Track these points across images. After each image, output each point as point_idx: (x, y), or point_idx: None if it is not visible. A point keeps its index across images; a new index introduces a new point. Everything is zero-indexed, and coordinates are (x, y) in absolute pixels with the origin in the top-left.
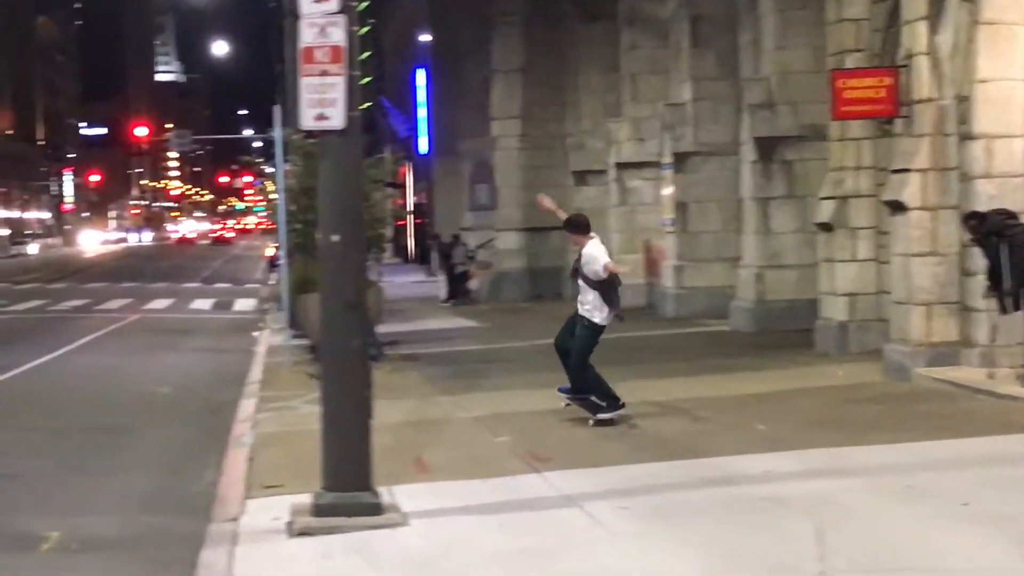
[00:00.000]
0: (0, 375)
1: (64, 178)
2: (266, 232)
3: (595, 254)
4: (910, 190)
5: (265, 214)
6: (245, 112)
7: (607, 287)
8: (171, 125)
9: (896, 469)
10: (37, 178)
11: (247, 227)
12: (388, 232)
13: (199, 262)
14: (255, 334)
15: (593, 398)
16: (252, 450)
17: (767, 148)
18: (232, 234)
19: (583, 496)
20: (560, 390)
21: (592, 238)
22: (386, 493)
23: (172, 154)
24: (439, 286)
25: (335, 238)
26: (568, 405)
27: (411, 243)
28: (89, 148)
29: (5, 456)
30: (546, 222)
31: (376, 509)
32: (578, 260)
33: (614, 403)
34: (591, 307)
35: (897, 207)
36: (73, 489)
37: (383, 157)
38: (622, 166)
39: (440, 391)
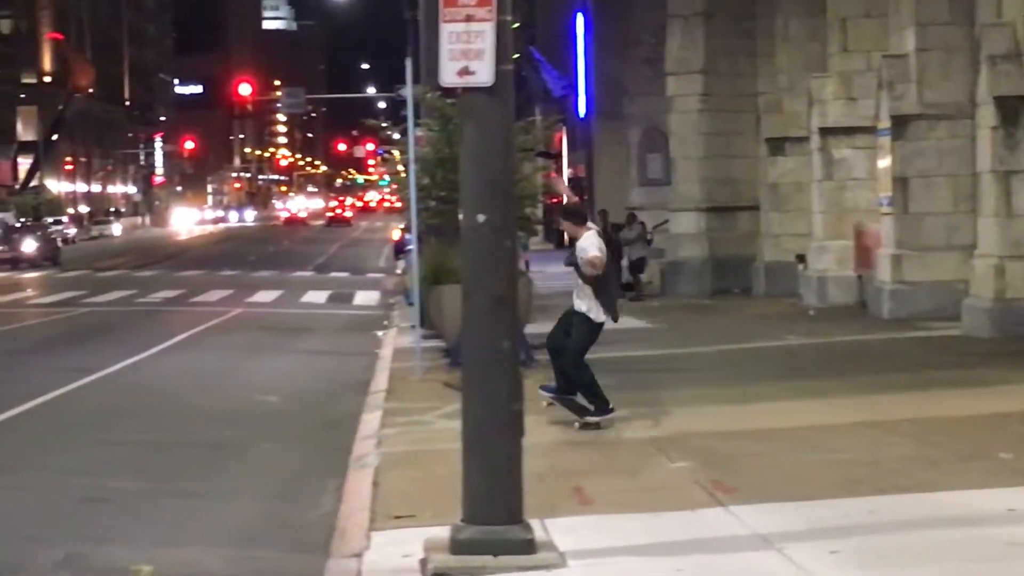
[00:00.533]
0: (83, 379)
1: (154, 145)
2: (392, 211)
3: (586, 247)
4: None
5: (391, 189)
6: (368, 67)
7: (602, 283)
8: (280, 83)
9: None
10: (122, 145)
11: (369, 205)
12: (538, 211)
13: (312, 246)
14: (379, 333)
15: (580, 399)
16: (377, 473)
17: (1011, 110)
18: (351, 213)
19: (781, 536)
20: (543, 389)
21: (589, 229)
22: (539, 527)
23: (281, 117)
24: None
25: (480, 218)
26: (550, 405)
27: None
28: (183, 110)
29: (92, 475)
30: (734, 201)
31: (528, 547)
32: (573, 252)
33: (604, 406)
34: (588, 304)
35: None
36: (169, 515)
37: (533, 121)
38: (827, 132)
39: None
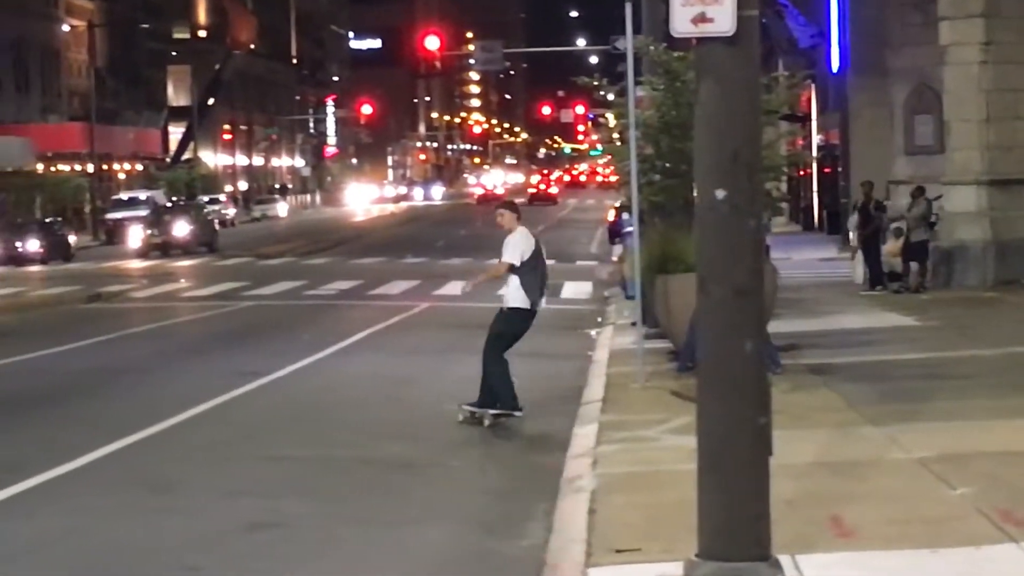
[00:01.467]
0: (247, 384)
1: (325, 111)
2: (606, 186)
3: (511, 243)
4: None
5: (605, 160)
6: (577, 15)
7: (526, 272)
8: (473, 36)
9: None
10: (288, 111)
11: (578, 179)
12: (782, 186)
13: None
14: (592, 332)
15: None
16: (593, 498)
17: None
18: (557, 189)
19: None
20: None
21: (519, 226)
22: (789, 565)
23: (474, 76)
24: (857, 265)
25: (719, 194)
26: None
27: (815, 202)
28: (359, 68)
29: (259, 496)
30: (1021, 174)
31: None
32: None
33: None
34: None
35: None
36: (348, 545)
37: (777, 78)
38: None
39: (866, 419)
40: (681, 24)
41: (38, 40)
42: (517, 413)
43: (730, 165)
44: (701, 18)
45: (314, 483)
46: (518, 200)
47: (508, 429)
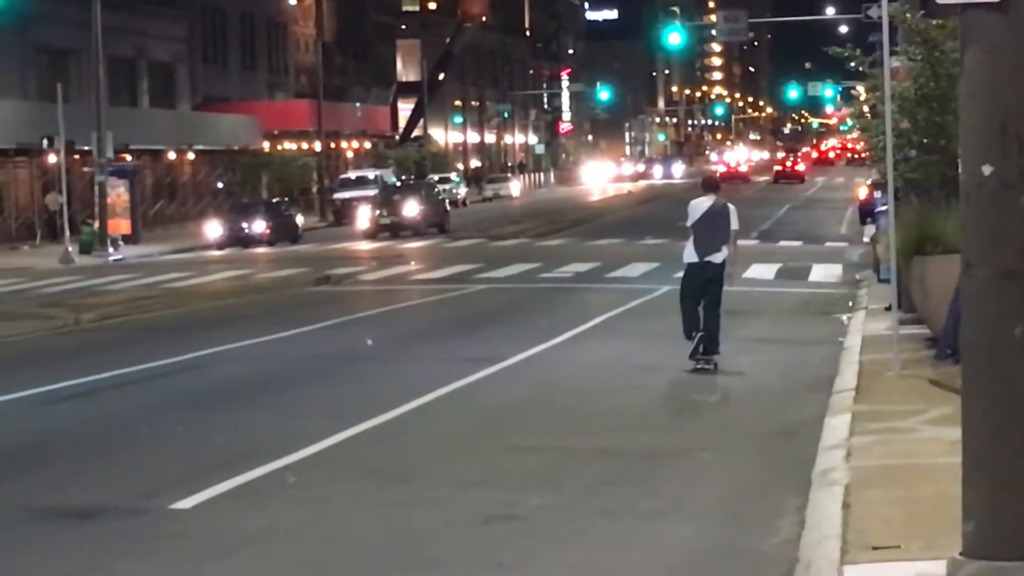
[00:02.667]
0: (482, 370)
1: (560, 85)
2: (856, 163)
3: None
4: None
5: (856, 136)
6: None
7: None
8: (715, 4)
9: None
10: (522, 86)
11: (827, 156)
12: None
13: (755, 208)
14: (843, 318)
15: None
16: (847, 492)
17: None
18: (804, 166)
19: None
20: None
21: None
22: None
23: (716, 48)
24: None
25: (987, 170)
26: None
27: None
28: (594, 41)
29: (498, 488)
30: None
31: None
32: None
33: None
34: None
35: None
36: (592, 539)
37: None
38: None
39: None
40: None
41: (264, 15)
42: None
43: (999, 139)
44: None
45: (554, 475)
46: (763, 178)
47: (758, 418)
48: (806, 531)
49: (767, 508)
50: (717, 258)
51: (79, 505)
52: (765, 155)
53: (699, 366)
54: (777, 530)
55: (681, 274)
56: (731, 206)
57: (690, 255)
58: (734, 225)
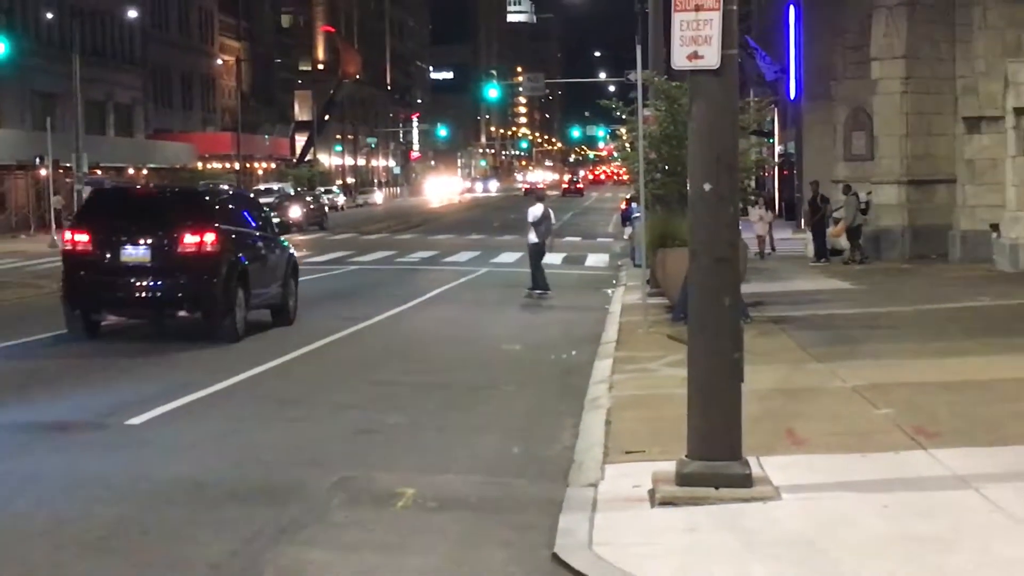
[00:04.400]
0: (354, 326)
1: (411, 125)
2: (620, 183)
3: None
4: None
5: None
6: (599, 55)
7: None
8: (521, 69)
9: None
10: (384, 125)
11: (599, 178)
12: (752, 183)
13: None
14: (608, 291)
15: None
16: (609, 413)
17: None
18: (583, 184)
19: (980, 478)
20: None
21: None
22: (755, 464)
23: (522, 100)
24: (809, 242)
25: (707, 187)
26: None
27: (776, 196)
28: (436, 93)
29: (364, 410)
30: (933, 174)
31: (746, 481)
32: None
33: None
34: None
35: None
36: (429, 447)
37: (748, 102)
38: (1022, 112)
39: (813, 357)
40: (679, 60)
41: (199, 71)
42: (550, 293)
43: (715, 165)
44: (694, 56)
45: (404, 401)
46: (553, 192)
47: (547, 361)
48: (579, 441)
49: (553, 425)
50: (547, 240)
51: (55, 421)
52: (556, 176)
53: (535, 296)
54: (559, 440)
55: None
56: (551, 210)
57: (534, 239)
58: (553, 221)
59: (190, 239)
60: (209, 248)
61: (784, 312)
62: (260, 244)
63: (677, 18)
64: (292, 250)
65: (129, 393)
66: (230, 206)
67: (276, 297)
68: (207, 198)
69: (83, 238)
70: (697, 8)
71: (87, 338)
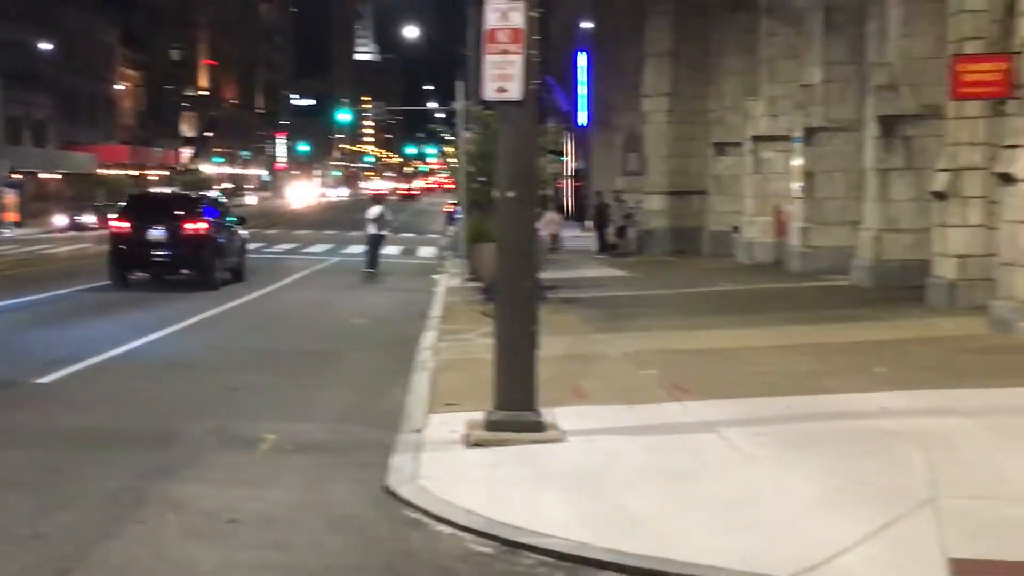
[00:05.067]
0: (229, 303)
1: (277, 141)
2: (446, 190)
3: (373, 211)
4: (1020, 164)
5: (446, 175)
6: (432, 88)
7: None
8: (369, 98)
9: (1001, 410)
10: (255, 141)
11: (430, 187)
12: (549, 192)
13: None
14: (435, 277)
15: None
16: (433, 373)
17: (889, 125)
18: (418, 192)
19: (720, 423)
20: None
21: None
22: (548, 414)
23: (369, 122)
24: (593, 240)
25: (511, 194)
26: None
27: (569, 203)
28: (299, 116)
29: (234, 371)
30: (689, 187)
31: (539, 427)
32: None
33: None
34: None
35: (1007, 179)
36: (288, 401)
37: (547, 128)
38: (757, 139)
39: (595, 330)
40: (489, 92)
41: (103, 94)
42: (380, 275)
43: (517, 177)
44: (501, 89)
45: (269, 364)
46: (393, 198)
47: (386, 333)
48: (409, 396)
49: (389, 383)
50: (385, 231)
51: None
52: (396, 185)
53: (368, 275)
54: (393, 396)
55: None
56: (389, 209)
57: (372, 231)
58: (389, 217)
59: (190, 226)
60: (202, 232)
61: (573, 294)
62: (226, 229)
63: (488, 59)
64: (245, 234)
65: (39, 358)
66: (210, 205)
67: (235, 264)
68: (198, 200)
69: (124, 224)
70: (504, 52)
71: (116, 289)
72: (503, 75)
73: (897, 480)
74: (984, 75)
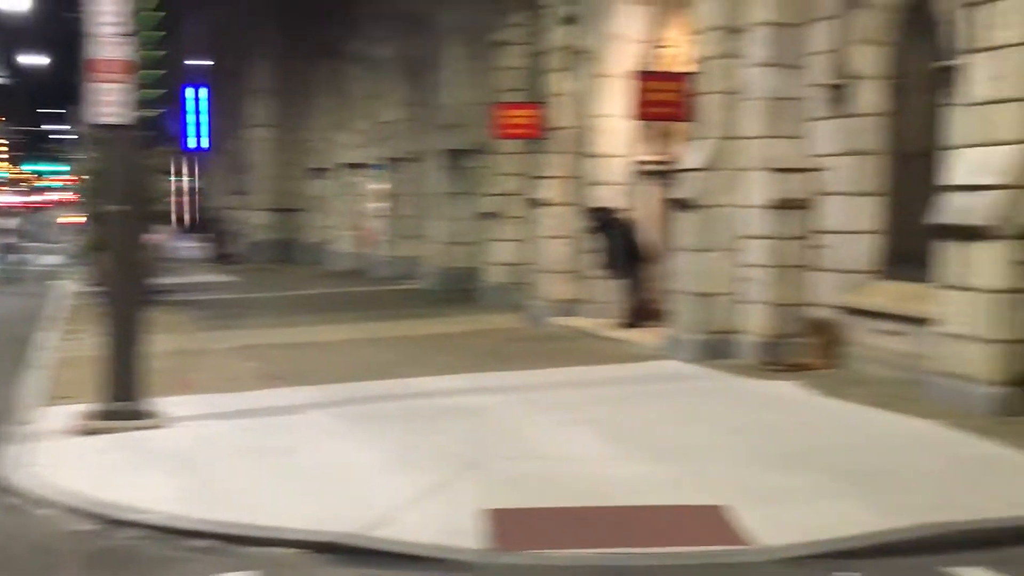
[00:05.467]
0: None
1: None
2: (64, 204)
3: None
4: (549, 191)
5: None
6: (62, 111)
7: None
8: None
9: (532, 387)
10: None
11: (48, 201)
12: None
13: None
14: (63, 282)
15: None
16: (51, 371)
17: (453, 157)
18: (40, 205)
19: (308, 406)
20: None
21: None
22: (157, 403)
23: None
24: (207, 249)
25: (118, 208)
26: None
27: (190, 216)
28: None
29: None
30: (291, 205)
31: (147, 415)
32: None
33: None
34: None
35: (540, 203)
36: None
37: (159, 150)
38: (345, 165)
39: (204, 328)
40: (95, 117)
41: None
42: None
43: (124, 192)
44: (106, 114)
45: None
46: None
47: (7, 334)
48: (25, 391)
49: (6, 383)
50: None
51: None
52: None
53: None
54: (16, 389)
55: None
56: (26, 220)
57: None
58: (28, 228)
59: None
60: None
61: (186, 297)
62: None
63: (94, 87)
64: None
65: None
66: None
67: None
68: None
69: None
70: (107, 81)
71: None
72: (107, 101)
73: (450, 447)
74: (520, 119)
